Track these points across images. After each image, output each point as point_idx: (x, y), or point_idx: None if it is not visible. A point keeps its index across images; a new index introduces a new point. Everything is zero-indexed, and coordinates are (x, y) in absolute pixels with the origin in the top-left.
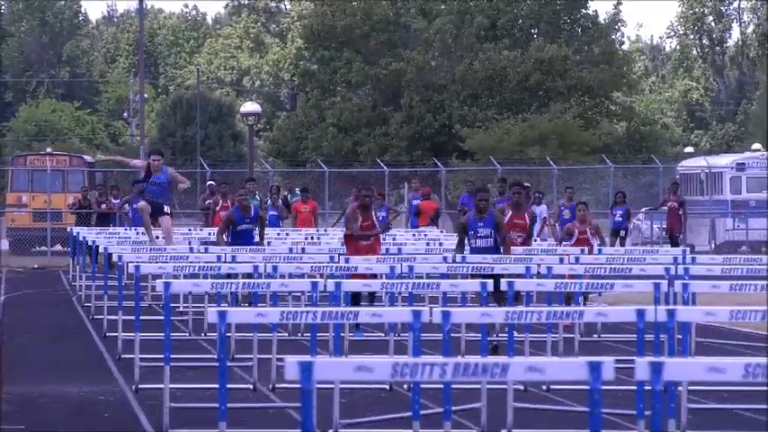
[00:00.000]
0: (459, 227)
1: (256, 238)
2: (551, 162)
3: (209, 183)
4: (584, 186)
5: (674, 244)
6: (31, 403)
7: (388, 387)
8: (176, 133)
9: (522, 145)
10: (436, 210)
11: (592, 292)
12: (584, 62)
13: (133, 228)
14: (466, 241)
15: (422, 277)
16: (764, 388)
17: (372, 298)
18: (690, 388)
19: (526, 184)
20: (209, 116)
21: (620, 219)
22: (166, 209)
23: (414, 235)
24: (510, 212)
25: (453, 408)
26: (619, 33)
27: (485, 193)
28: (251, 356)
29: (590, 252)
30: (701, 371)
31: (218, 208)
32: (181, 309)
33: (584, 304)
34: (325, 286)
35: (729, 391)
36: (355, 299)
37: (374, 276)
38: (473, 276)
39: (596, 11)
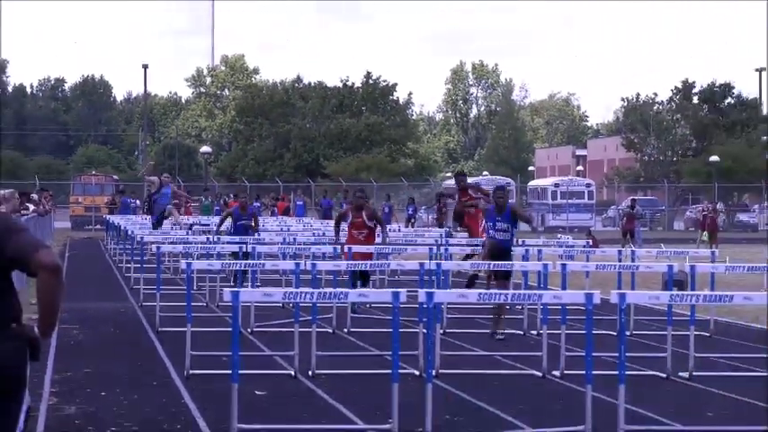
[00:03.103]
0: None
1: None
2: (373, 181)
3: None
4: (391, 194)
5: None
6: (79, 313)
7: (281, 305)
8: (164, 164)
9: (357, 171)
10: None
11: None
12: (391, 125)
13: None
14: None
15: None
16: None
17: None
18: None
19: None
20: (184, 153)
21: (411, 212)
22: (169, 208)
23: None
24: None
25: (318, 317)
26: (409, 110)
27: (502, 191)
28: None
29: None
30: (455, 297)
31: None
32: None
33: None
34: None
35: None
36: (355, 278)
37: (369, 258)
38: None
39: (398, 96)
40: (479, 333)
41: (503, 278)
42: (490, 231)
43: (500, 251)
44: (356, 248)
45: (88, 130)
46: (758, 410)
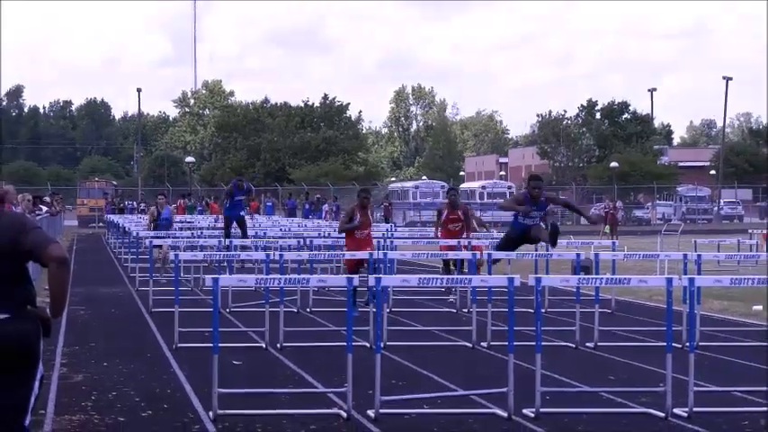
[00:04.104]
0: (514, 200)
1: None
2: (330, 185)
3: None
4: (343, 197)
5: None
6: (85, 296)
7: (254, 289)
8: (155, 172)
9: (317, 177)
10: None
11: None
12: (344, 138)
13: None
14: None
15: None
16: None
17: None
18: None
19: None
20: (172, 163)
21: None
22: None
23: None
24: (446, 210)
25: (285, 299)
26: (360, 125)
27: (538, 182)
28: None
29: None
30: (398, 281)
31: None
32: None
33: None
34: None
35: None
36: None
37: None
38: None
39: (351, 114)
40: (420, 311)
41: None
42: (519, 218)
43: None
44: (359, 255)
45: (91, 143)
46: (651, 374)
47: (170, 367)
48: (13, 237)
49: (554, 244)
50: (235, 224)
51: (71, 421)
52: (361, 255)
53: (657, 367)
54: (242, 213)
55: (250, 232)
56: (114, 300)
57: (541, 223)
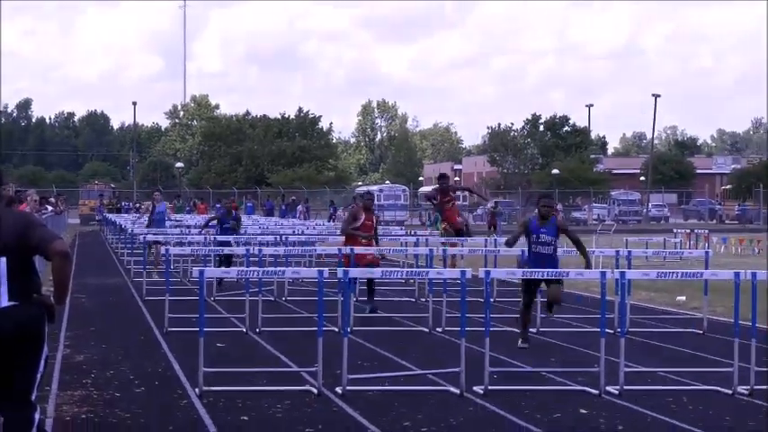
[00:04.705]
0: (519, 225)
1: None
2: (304, 188)
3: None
4: (315, 199)
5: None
6: (85, 286)
7: (236, 280)
8: (149, 176)
9: (292, 181)
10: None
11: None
12: (317, 147)
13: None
14: (526, 243)
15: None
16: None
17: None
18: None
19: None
20: (164, 168)
21: (332, 211)
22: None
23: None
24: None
25: (264, 288)
26: (330, 135)
27: (548, 200)
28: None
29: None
30: (364, 273)
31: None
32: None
33: None
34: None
35: None
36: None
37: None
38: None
39: (322, 125)
40: (382, 300)
41: (555, 283)
42: (532, 246)
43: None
44: (359, 250)
45: (92, 150)
46: (587, 356)
47: (161, 349)
48: (21, 233)
49: (550, 309)
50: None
51: (72, 396)
52: (364, 250)
53: (592, 350)
54: (231, 244)
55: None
56: (111, 289)
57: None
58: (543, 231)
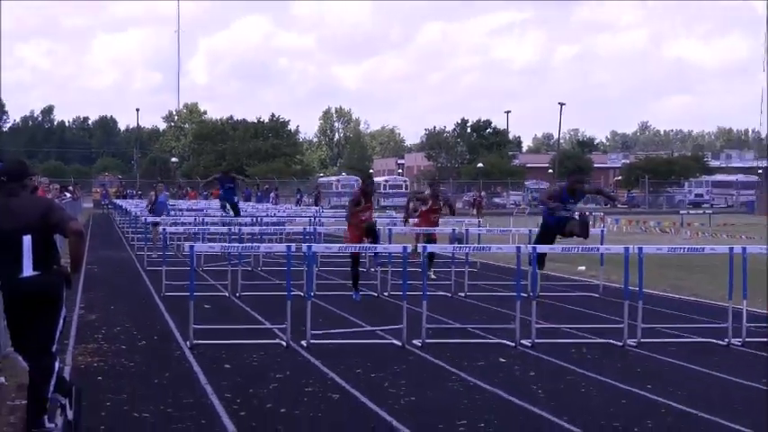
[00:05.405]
0: (550, 194)
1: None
2: (275, 178)
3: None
4: (284, 188)
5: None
6: (97, 258)
7: (220, 253)
8: (149, 170)
9: (266, 173)
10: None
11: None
12: (286, 145)
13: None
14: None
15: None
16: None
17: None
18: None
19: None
20: (162, 162)
21: (299, 197)
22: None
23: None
24: (430, 201)
25: (243, 260)
26: (297, 135)
27: (580, 176)
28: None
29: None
30: (323, 248)
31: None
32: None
33: None
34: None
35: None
36: (355, 262)
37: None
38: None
39: (291, 127)
40: (339, 270)
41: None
42: (557, 211)
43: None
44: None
45: (103, 148)
46: (505, 315)
47: (158, 309)
48: (43, 215)
49: (586, 235)
50: (228, 206)
51: (86, 348)
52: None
53: (509, 310)
54: (235, 198)
55: (216, 213)
56: (119, 261)
57: (575, 214)
58: (572, 201)
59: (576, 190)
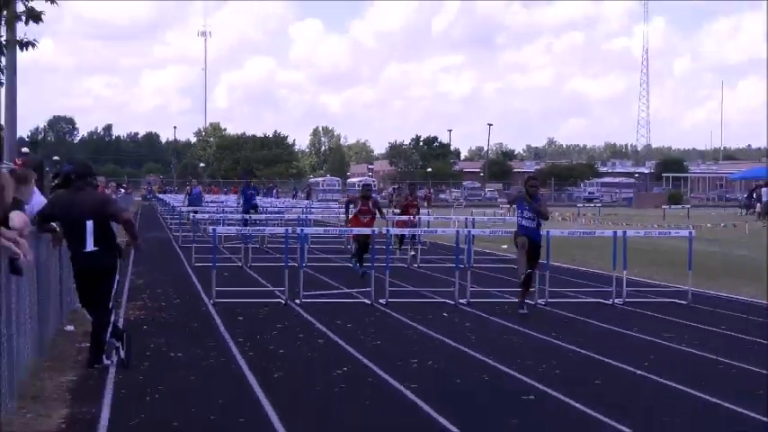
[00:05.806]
0: (511, 199)
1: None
2: (277, 179)
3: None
4: (283, 187)
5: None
6: (144, 238)
7: (236, 235)
8: (183, 172)
9: (270, 175)
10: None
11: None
12: (285, 154)
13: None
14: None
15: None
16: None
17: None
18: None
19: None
20: (192, 167)
21: (295, 193)
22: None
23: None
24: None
25: (252, 239)
26: (294, 147)
27: (534, 180)
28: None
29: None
30: (314, 231)
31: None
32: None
33: None
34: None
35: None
36: (362, 249)
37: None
38: None
39: (289, 141)
40: (325, 247)
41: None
42: (519, 219)
43: (528, 237)
44: (356, 230)
45: (148, 156)
46: (447, 281)
47: (190, 276)
48: (103, 205)
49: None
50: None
51: (135, 305)
52: (361, 230)
53: (451, 277)
54: (255, 203)
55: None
56: (159, 240)
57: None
58: (527, 208)
59: (531, 193)
